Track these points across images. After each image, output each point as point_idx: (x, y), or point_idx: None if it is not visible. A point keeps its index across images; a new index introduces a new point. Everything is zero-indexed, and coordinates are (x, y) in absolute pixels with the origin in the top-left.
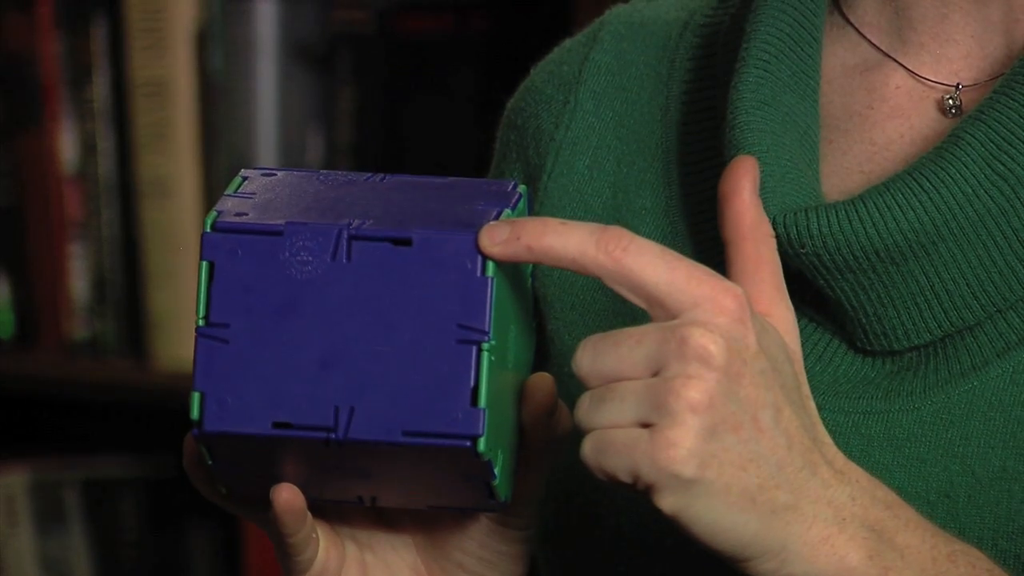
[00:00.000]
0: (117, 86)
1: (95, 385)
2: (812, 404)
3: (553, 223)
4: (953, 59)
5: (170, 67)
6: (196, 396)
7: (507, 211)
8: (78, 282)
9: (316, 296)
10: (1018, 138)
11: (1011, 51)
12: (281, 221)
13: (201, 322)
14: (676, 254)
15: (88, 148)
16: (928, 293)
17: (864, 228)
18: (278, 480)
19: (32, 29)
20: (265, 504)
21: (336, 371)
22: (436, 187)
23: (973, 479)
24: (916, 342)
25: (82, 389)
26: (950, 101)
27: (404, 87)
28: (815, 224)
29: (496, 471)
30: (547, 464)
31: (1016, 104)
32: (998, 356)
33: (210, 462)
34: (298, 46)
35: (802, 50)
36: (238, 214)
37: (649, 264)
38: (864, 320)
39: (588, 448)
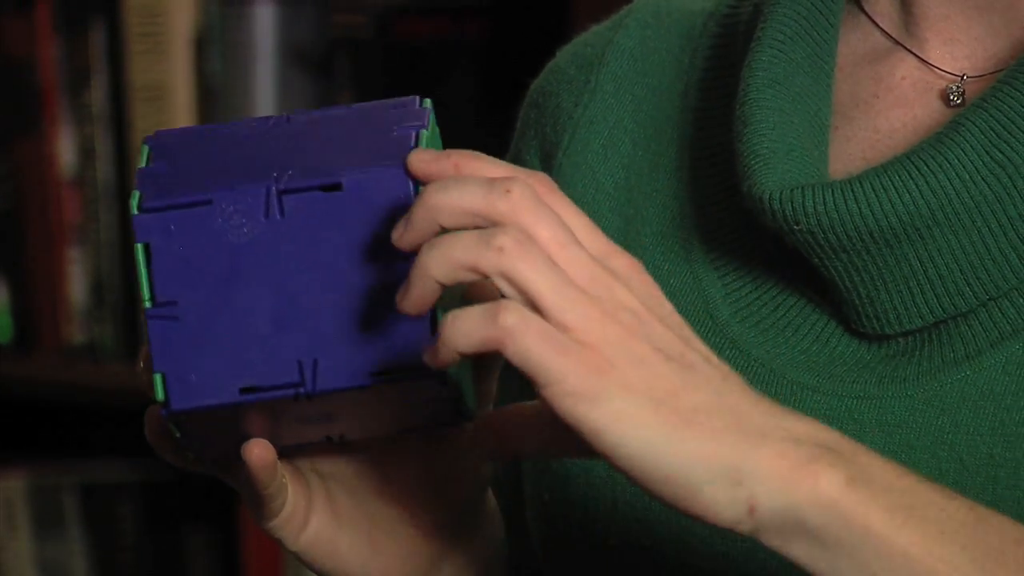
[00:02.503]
0: (116, 90)
1: (94, 389)
2: None
3: (481, 155)
4: (958, 57)
5: (169, 71)
6: (158, 377)
7: (424, 131)
8: (77, 286)
9: (257, 257)
10: (1018, 127)
11: (1015, 51)
12: (207, 189)
13: (148, 304)
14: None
15: (87, 152)
16: (921, 277)
17: (859, 208)
18: (247, 438)
19: (31, 33)
20: (235, 459)
21: (292, 327)
22: (345, 119)
23: (960, 466)
24: (908, 327)
25: (81, 393)
26: (954, 90)
27: (402, 91)
28: (810, 202)
29: (463, 389)
30: (498, 363)
31: (1017, 94)
32: (991, 346)
33: (178, 435)
34: (296, 50)
35: (819, 34)
36: (161, 189)
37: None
38: (857, 301)
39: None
